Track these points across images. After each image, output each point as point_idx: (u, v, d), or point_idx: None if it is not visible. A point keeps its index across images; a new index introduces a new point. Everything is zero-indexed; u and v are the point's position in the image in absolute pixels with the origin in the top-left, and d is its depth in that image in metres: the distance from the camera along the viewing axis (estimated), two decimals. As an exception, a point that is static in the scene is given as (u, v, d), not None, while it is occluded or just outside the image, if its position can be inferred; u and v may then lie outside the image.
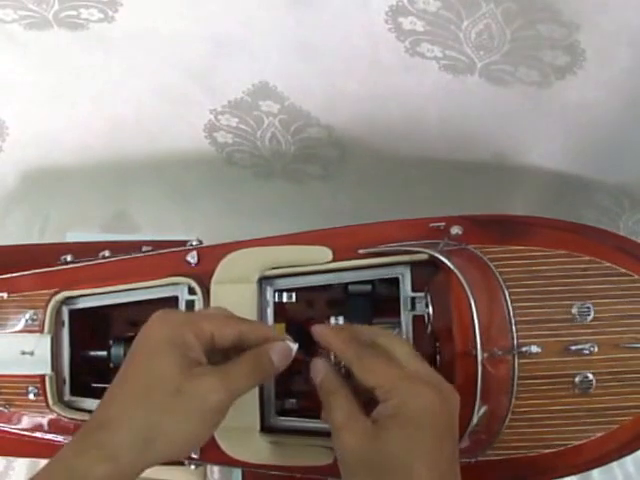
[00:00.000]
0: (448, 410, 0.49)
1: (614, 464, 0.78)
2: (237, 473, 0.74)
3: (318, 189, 0.89)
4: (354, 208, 0.88)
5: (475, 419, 0.54)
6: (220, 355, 0.52)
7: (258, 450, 0.60)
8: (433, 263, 0.59)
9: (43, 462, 0.82)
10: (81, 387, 0.65)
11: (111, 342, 0.67)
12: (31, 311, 0.63)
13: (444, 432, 0.49)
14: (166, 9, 0.69)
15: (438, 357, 0.60)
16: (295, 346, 0.54)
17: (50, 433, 0.64)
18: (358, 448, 0.49)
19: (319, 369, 0.54)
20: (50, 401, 0.63)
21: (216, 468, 0.78)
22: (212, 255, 0.63)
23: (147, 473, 0.75)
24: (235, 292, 0.61)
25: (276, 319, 0.63)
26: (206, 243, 0.65)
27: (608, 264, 0.58)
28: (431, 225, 0.61)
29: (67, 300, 0.64)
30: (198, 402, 0.48)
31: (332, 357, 0.55)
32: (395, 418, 0.48)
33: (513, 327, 0.56)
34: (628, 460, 0.79)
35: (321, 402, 0.53)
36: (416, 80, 0.72)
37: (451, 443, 0.49)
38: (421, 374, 0.50)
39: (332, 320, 0.64)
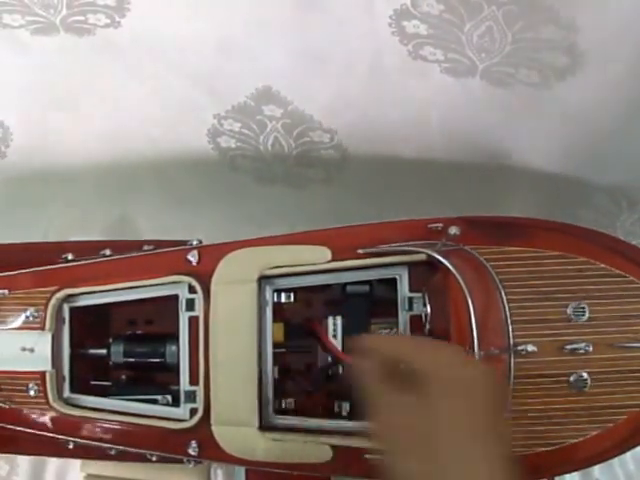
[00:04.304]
0: (492, 383, 0.48)
1: (615, 463, 0.78)
2: (240, 473, 0.74)
3: (320, 193, 0.89)
4: (356, 211, 0.87)
5: (471, 418, 0.54)
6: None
7: (257, 448, 0.60)
8: (430, 263, 0.60)
9: (44, 460, 0.82)
10: (80, 384, 0.66)
11: (110, 340, 0.68)
12: (32, 308, 0.63)
13: (491, 403, 0.47)
14: (171, 15, 0.69)
15: (435, 357, 0.60)
16: None
17: (50, 430, 0.64)
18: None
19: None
20: (50, 398, 0.63)
21: (220, 470, 0.78)
22: (213, 254, 0.63)
23: (147, 472, 0.76)
24: (235, 291, 0.62)
25: (275, 319, 0.63)
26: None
27: (603, 265, 0.59)
28: (429, 226, 0.62)
29: (68, 298, 0.64)
30: None
31: None
32: (442, 389, 0.46)
33: (509, 327, 0.57)
34: (629, 459, 0.79)
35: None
36: (418, 83, 0.72)
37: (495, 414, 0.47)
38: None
39: (330, 320, 0.65)
